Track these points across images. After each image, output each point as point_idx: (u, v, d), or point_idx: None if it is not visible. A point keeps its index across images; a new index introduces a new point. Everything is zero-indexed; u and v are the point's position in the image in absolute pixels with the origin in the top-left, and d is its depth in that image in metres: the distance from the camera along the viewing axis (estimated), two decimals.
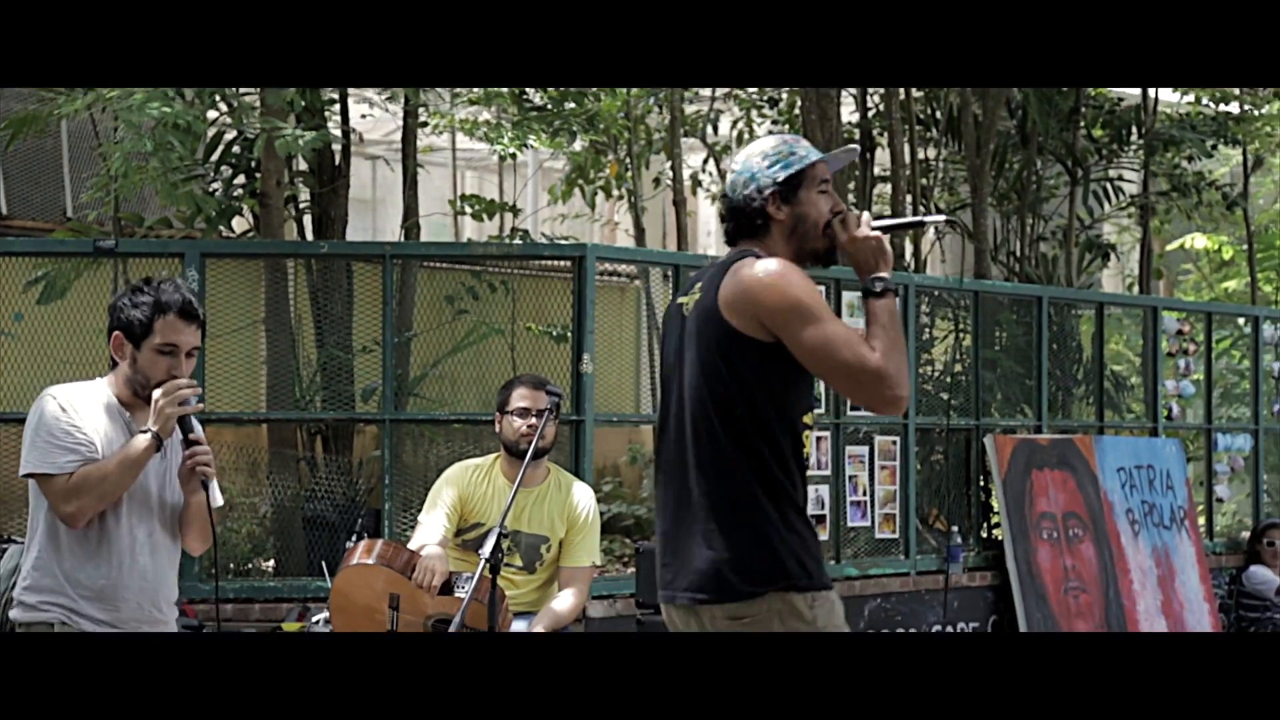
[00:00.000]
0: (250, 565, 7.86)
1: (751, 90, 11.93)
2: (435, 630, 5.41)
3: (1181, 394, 10.42)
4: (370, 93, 9.77)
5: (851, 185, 10.91)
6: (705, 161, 12.56)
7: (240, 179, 8.57)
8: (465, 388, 7.96)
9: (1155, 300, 10.88)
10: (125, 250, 7.46)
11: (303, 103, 7.61)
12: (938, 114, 11.40)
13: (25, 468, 4.09)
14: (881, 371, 3.55)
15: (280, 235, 8.13)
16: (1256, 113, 12.26)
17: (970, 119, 10.85)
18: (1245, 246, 13.66)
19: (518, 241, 8.91)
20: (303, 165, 8.73)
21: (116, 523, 4.08)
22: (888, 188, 10.99)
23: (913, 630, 8.47)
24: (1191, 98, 12.58)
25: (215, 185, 8.50)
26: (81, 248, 7.51)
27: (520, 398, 5.75)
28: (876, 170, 11.43)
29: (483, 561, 4.77)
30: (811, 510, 8.17)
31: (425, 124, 9.77)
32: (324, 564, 6.63)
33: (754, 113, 12.02)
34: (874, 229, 3.79)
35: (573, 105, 9.83)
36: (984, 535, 9.20)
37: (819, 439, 8.14)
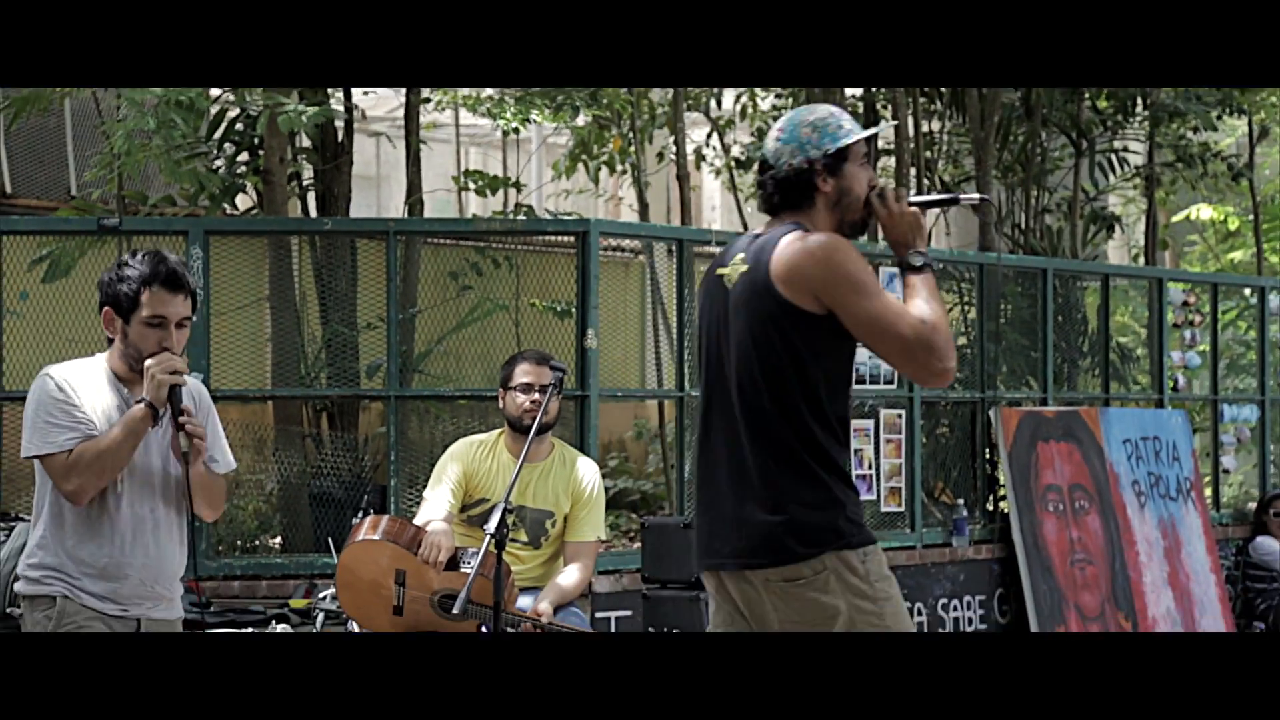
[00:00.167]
0: (257, 542, 7.88)
1: None
2: (441, 606, 5.42)
3: (1187, 365, 10.41)
4: None
5: None
6: (709, 136, 12.53)
7: (243, 156, 8.56)
8: (470, 364, 7.96)
9: (1161, 271, 10.86)
10: (129, 228, 7.46)
11: None
12: (941, 87, 11.37)
13: (26, 450, 4.10)
14: (932, 344, 3.64)
15: (284, 212, 8.13)
16: None
17: (974, 91, 10.82)
18: (1251, 217, 13.64)
19: (521, 217, 8.90)
20: (306, 142, 8.72)
21: (118, 501, 4.08)
22: (892, 160, 10.97)
23: (919, 605, 8.48)
24: None
25: (218, 162, 8.50)
26: (86, 226, 7.51)
27: (523, 374, 5.74)
28: (880, 143, 11.39)
29: (488, 537, 4.77)
30: None
31: (428, 100, 9.76)
32: (330, 540, 6.64)
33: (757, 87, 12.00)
34: (911, 204, 3.84)
35: None
36: (990, 508, 9.20)
37: None
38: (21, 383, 7.17)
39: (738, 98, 12.16)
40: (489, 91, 10.01)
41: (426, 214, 9.28)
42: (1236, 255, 15.39)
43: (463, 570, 5.40)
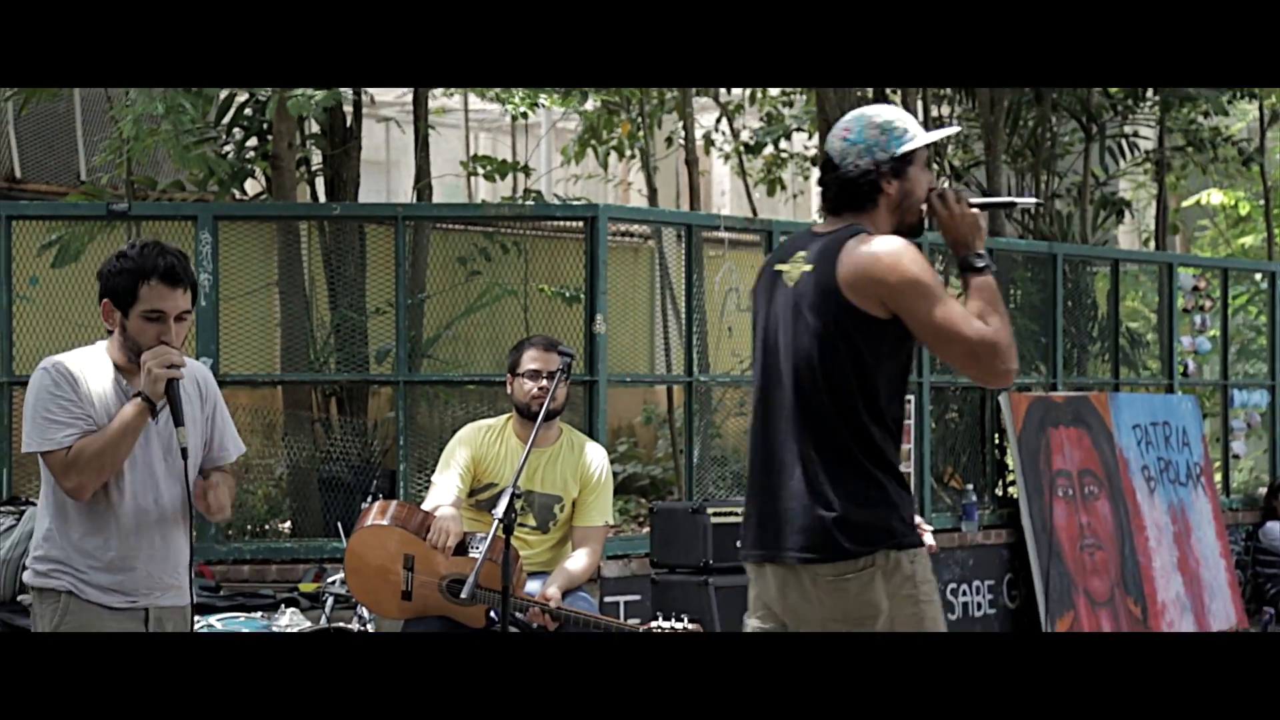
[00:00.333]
0: (267, 526, 7.90)
1: None
2: (450, 590, 5.43)
3: (1198, 350, 10.39)
4: None
5: None
6: (718, 121, 12.52)
7: (252, 141, 8.57)
8: (479, 349, 7.97)
9: (1171, 256, 10.84)
10: (138, 213, 7.48)
11: None
12: (950, 87, 11.34)
13: (27, 445, 4.07)
14: (998, 346, 3.69)
15: (293, 197, 8.14)
16: None
17: None
18: (1262, 202, 13.59)
19: (530, 202, 8.91)
20: (315, 127, 8.72)
21: (120, 494, 4.05)
22: None
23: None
24: None
25: (227, 148, 8.51)
26: (95, 211, 7.52)
27: (531, 360, 5.74)
28: None
29: (496, 522, 4.77)
30: None
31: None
32: (340, 525, 6.65)
33: None
34: (972, 206, 3.89)
35: None
36: (999, 493, 9.20)
37: None
38: (32, 367, 7.14)
39: None
40: None
41: (435, 199, 9.28)
42: (1247, 240, 15.35)
43: (471, 555, 5.41)
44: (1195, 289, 10.40)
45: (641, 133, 10.64)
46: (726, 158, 12.86)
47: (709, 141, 12.55)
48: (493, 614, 5.40)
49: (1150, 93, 11.82)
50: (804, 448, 3.75)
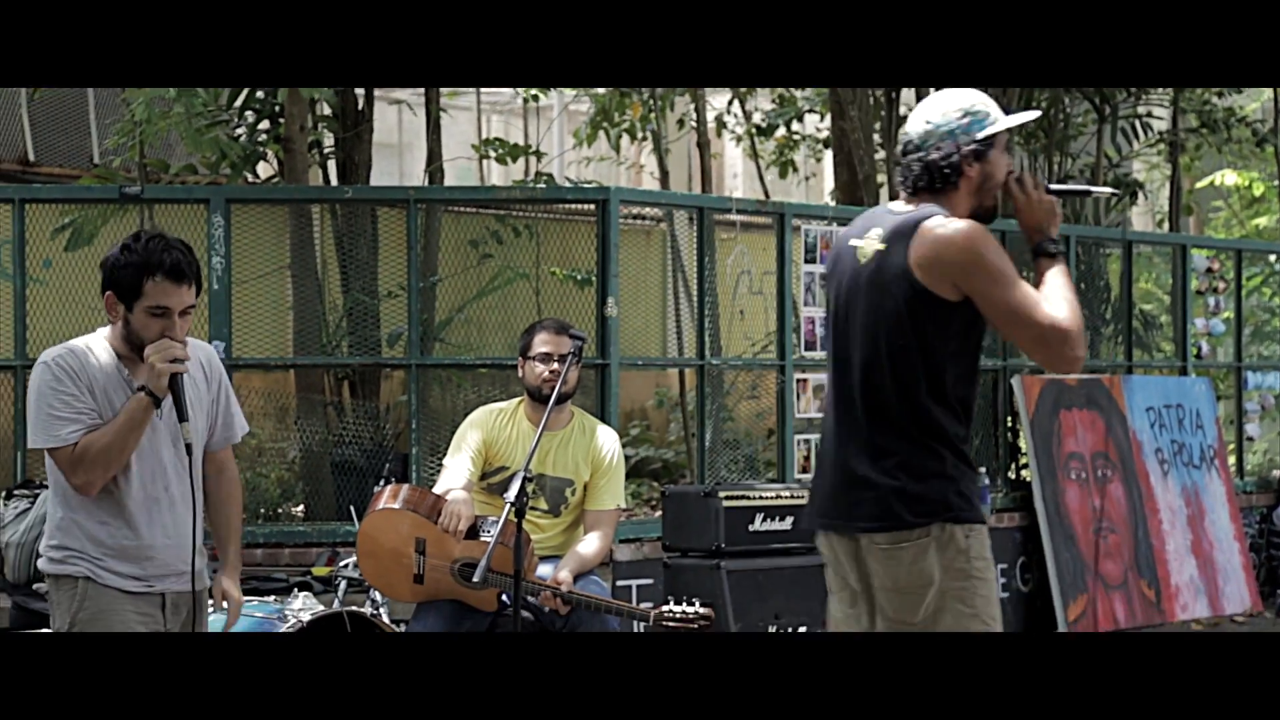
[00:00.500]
0: (280, 510, 7.91)
1: None
2: (461, 574, 5.44)
3: (1211, 332, 10.36)
4: None
5: (878, 126, 10.85)
6: (729, 103, 12.49)
7: (264, 124, 8.57)
8: (491, 332, 7.98)
9: (1184, 238, 10.80)
10: (151, 196, 7.48)
11: None
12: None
13: (32, 442, 4.06)
14: (1069, 333, 3.75)
15: (305, 181, 8.14)
16: None
17: None
18: (1276, 183, 13.55)
19: (542, 185, 8.90)
20: (326, 110, 8.72)
21: (129, 485, 4.04)
22: None
23: None
24: None
25: (239, 131, 8.50)
26: (108, 194, 7.53)
27: (542, 343, 5.74)
28: (903, 110, 11.35)
29: (508, 505, 4.77)
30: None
31: None
32: (353, 509, 6.66)
33: None
34: (1050, 192, 3.94)
35: None
36: (1012, 476, 9.19)
37: None
38: (45, 350, 7.20)
39: None
40: None
41: (447, 182, 9.29)
42: (1261, 221, 15.29)
43: (483, 539, 5.42)
44: (1209, 271, 10.37)
45: (653, 115, 10.62)
46: (738, 140, 12.84)
47: (721, 124, 12.52)
48: (504, 598, 5.41)
49: None
50: (868, 420, 3.84)
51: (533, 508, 5.64)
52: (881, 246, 3.85)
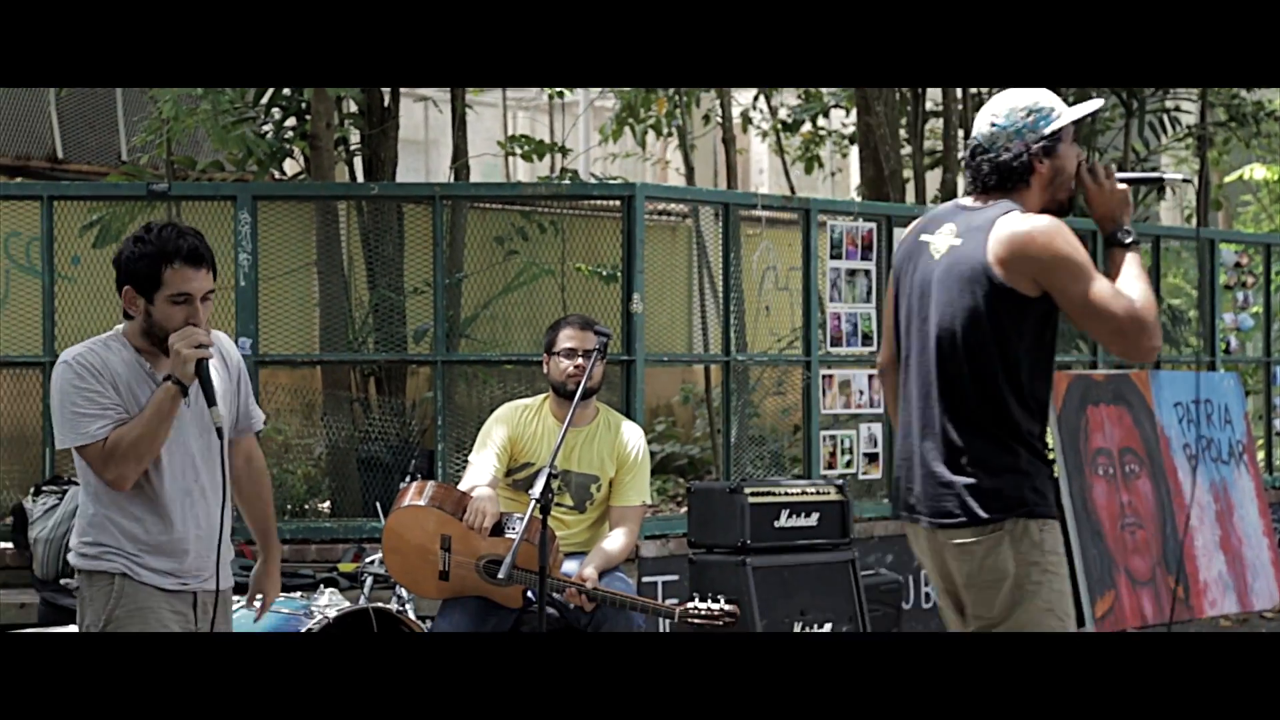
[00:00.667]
0: (306, 506, 7.94)
1: None
2: (487, 571, 5.44)
3: (1240, 327, 10.31)
4: None
5: (904, 122, 10.82)
6: (755, 99, 12.47)
7: (291, 121, 8.59)
8: (516, 328, 7.98)
9: (1213, 233, 10.75)
10: (178, 193, 7.52)
11: None
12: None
13: (60, 442, 4.04)
14: (1146, 323, 3.76)
15: (331, 177, 8.16)
16: None
17: None
18: None
19: (567, 181, 8.90)
20: (353, 107, 8.74)
21: (161, 478, 4.04)
22: (939, 123, 10.88)
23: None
24: None
25: (266, 128, 8.53)
26: (135, 191, 7.57)
27: (567, 339, 5.74)
28: (928, 105, 11.32)
29: (533, 502, 4.77)
30: (864, 449, 8.19)
31: None
32: (379, 505, 6.67)
33: None
34: (1121, 181, 3.95)
35: None
36: None
37: (869, 378, 8.11)
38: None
39: None
40: None
41: (473, 179, 9.29)
42: None
43: (508, 535, 5.42)
44: (1237, 265, 10.31)
45: (679, 111, 10.61)
46: (764, 136, 12.81)
47: (746, 119, 12.50)
48: (530, 594, 5.41)
49: None
50: (943, 415, 3.88)
51: (558, 504, 5.64)
52: (957, 242, 3.88)
